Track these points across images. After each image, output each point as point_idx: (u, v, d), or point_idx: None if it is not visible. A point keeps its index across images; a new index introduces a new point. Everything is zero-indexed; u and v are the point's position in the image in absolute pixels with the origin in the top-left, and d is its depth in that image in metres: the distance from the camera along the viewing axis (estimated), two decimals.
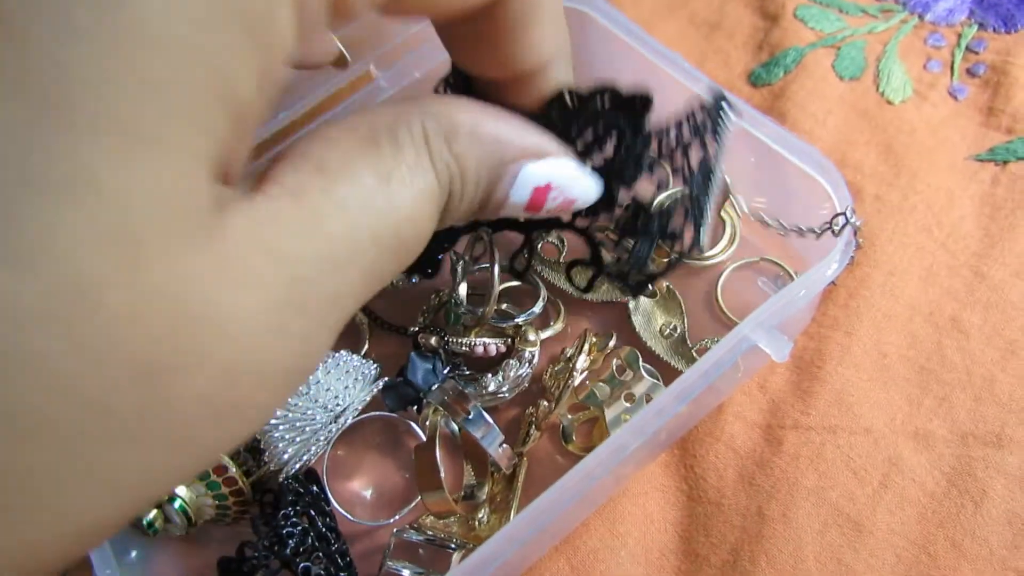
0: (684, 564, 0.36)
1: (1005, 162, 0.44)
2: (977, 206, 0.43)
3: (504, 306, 0.42)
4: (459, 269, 0.40)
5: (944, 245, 0.42)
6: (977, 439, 0.37)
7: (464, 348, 0.39)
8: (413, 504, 0.37)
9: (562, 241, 0.45)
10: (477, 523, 0.35)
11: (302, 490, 0.35)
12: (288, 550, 0.33)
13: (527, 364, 0.39)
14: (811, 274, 0.35)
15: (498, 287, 0.39)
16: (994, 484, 0.36)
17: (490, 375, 0.38)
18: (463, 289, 0.40)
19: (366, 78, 0.42)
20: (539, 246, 0.45)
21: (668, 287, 0.42)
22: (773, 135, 0.38)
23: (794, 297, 0.34)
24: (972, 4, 0.51)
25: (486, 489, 0.36)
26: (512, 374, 0.38)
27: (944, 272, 0.41)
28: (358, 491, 0.39)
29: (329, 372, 0.37)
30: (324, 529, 0.35)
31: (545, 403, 0.38)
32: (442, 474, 0.33)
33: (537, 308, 0.41)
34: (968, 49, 0.49)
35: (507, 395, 0.38)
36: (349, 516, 0.37)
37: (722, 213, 0.44)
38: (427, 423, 0.37)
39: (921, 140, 0.46)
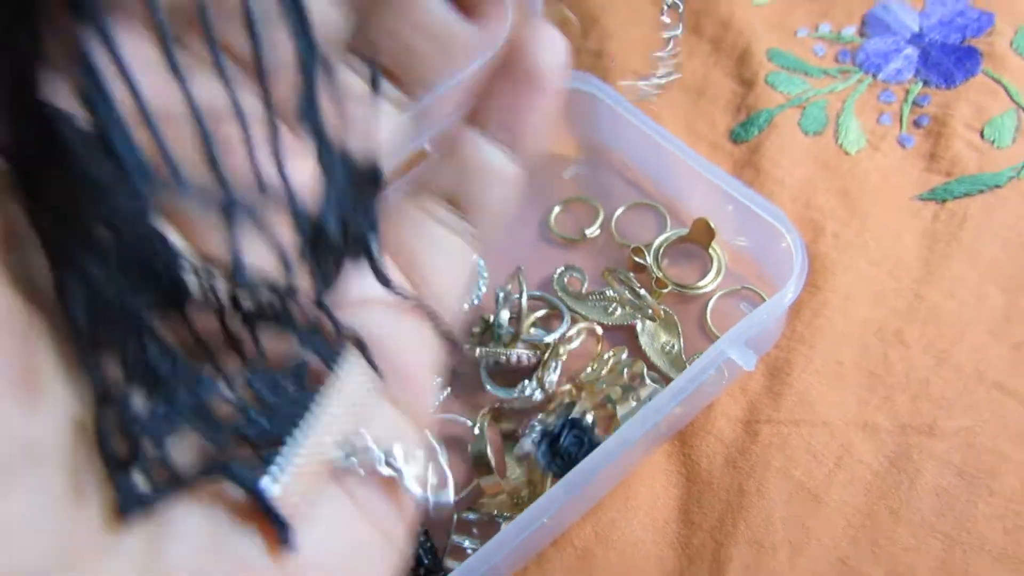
0: (682, 529, 0.46)
1: (944, 200, 0.54)
2: (919, 239, 0.53)
3: (533, 329, 0.53)
4: (500, 297, 0.51)
5: (891, 273, 0.52)
6: (913, 429, 0.47)
7: (503, 358, 0.50)
8: (471, 487, 0.48)
9: (582, 273, 0.55)
10: (520, 500, 0.46)
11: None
12: None
13: (554, 371, 0.50)
14: (773, 301, 0.45)
15: (526, 311, 0.50)
16: (926, 465, 0.46)
17: (526, 380, 0.49)
18: (505, 314, 0.50)
19: (421, 155, 0.53)
20: (566, 280, 0.55)
21: (667, 311, 0.52)
22: (745, 195, 0.48)
23: (760, 319, 0.44)
24: (918, 64, 0.60)
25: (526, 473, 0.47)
26: (546, 379, 0.48)
27: (890, 295, 0.51)
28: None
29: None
30: None
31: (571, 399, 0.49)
32: (492, 462, 0.44)
33: (563, 328, 0.51)
34: (915, 103, 0.59)
35: (540, 397, 0.49)
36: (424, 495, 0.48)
37: (710, 250, 0.54)
38: (478, 426, 0.47)
39: (873, 184, 0.55)
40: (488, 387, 0.49)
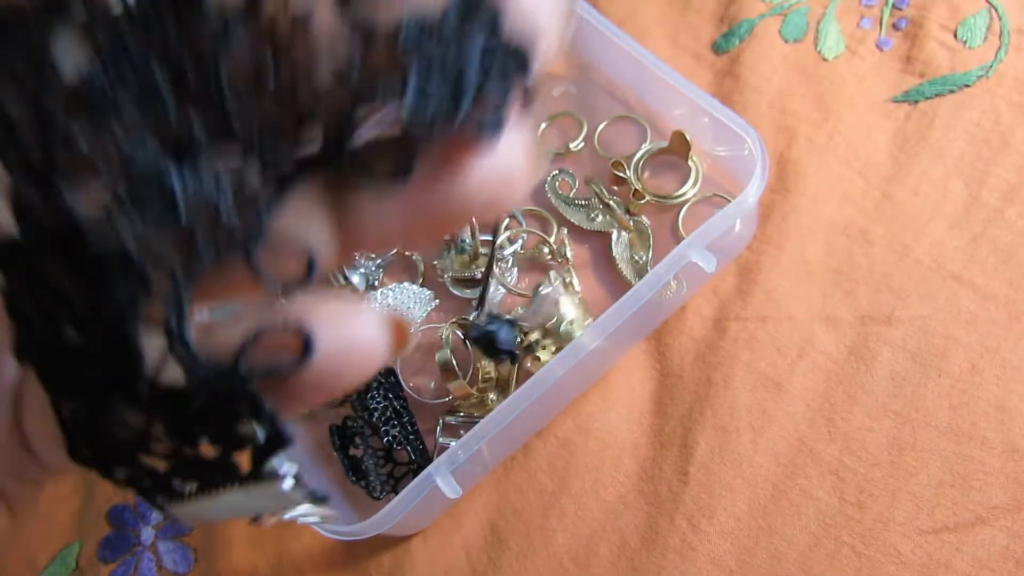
0: (655, 419, 0.51)
1: (916, 101, 0.56)
2: (890, 139, 0.55)
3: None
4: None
5: (860, 173, 0.54)
6: (872, 320, 0.50)
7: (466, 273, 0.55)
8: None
9: (573, 178, 0.59)
10: (491, 402, 0.50)
11: (383, 380, 0.51)
12: (374, 418, 0.49)
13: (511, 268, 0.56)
14: (732, 205, 0.48)
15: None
16: (882, 351, 0.49)
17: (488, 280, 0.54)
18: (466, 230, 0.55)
19: None
20: (557, 183, 0.59)
21: (639, 222, 0.55)
22: (713, 106, 0.51)
23: (719, 223, 0.48)
24: None
25: (493, 376, 0.52)
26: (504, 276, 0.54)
27: (858, 195, 0.54)
28: (423, 381, 0.55)
29: (397, 297, 0.53)
30: (399, 406, 0.51)
31: None
32: (456, 368, 0.48)
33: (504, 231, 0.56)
34: (894, 6, 0.60)
35: (502, 292, 0.55)
36: (416, 396, 0.53)
37: (689, 161, 0.57)
38: (443, 335, 0.51)
39: (849, 88, 0.57)
40: (454, 291, 0.55)
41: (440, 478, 0.45)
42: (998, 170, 0.52)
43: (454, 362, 0.48)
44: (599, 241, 0.57)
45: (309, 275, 0.16)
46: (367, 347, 0.17)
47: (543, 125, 0.62)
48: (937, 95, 0.55)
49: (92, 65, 0.14)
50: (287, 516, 0.19)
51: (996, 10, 0.56)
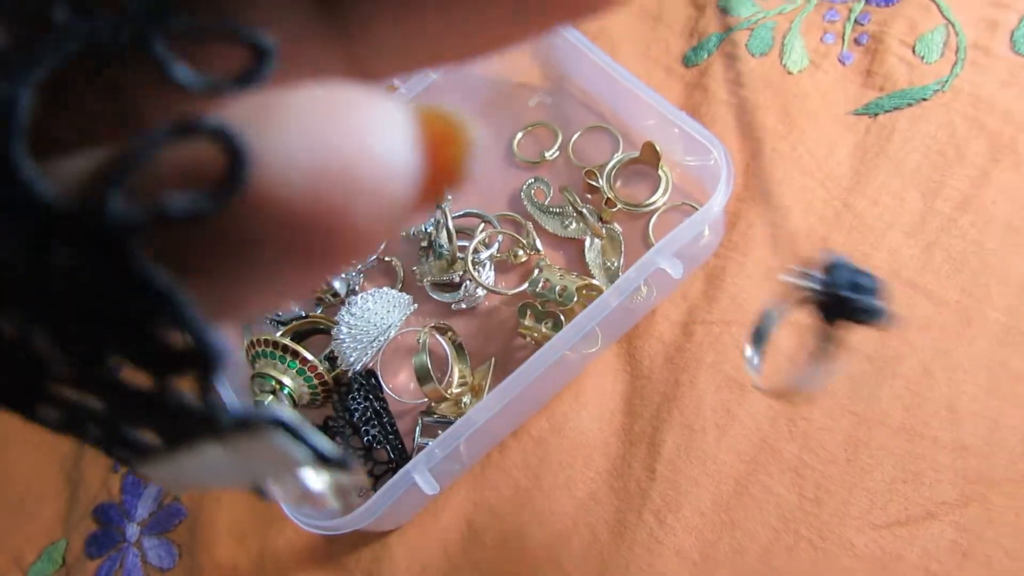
0: (626, 419, 0.53)
1: (875, 114, 0.58)
2: (852, 151, 0.57)
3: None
4: (436, 221, 0.57)
5: (822, 184, 0.57)
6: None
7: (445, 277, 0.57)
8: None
9: (548, 186, 0.61)
10: (464, 405, 0.53)
11: (364, 381, 0.53)
12: (355, 418, 0.51)
13: (489, 270, 0.58)
14: (698, 214, 0.50)
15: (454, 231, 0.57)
16: (841, 353, 0.51)
17: (466, 283, 0.57)
18: (443, 235, 0.57)
19: (389, 89, 0.58)
20: (532, 191, 0.61)
21: (612, 230, 0.58)
22: (681, 118, 0.53)
23: (686, 231, 0.50)
24: None
25: (468, 381, 0.54)
26: (482, 278, 0.56)
27: (820, 205, 0.56)
28: (403, 382, 0.57)
29: (377, 301, 0.55)
30: (379, 407, 0.53)
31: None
32: (431, 371, 0.50)
33: (479, 236, 0.59)
34: (856, 21, 0.62)
35: (482, 295, 0.57)
36: (395, 397, 0.55)
37: (659, 171, 0.59)
38: (420, 340, 0.53)
39: (812, 101, 0.60)
40: (433, 296, 0.57)
41: (418, 475, 0.46)
42: (952, 181, 0.54)
43: (430, 366, 0.50)
44: (573, 248, 0.59)
45: (258, 70, 0.11)
46: (379, 156, 0.10)
47: (519, 135, 0.64)
48: (896, 108, 0.57)
49: None
50: (299, 487, 0.14)
51: (953, 26, 0.59)
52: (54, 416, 0.13)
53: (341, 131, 0.10)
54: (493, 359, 0.55)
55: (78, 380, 0.12)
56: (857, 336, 0.51)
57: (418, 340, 0.52)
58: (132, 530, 0.57)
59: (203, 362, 0.11)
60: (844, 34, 0.62)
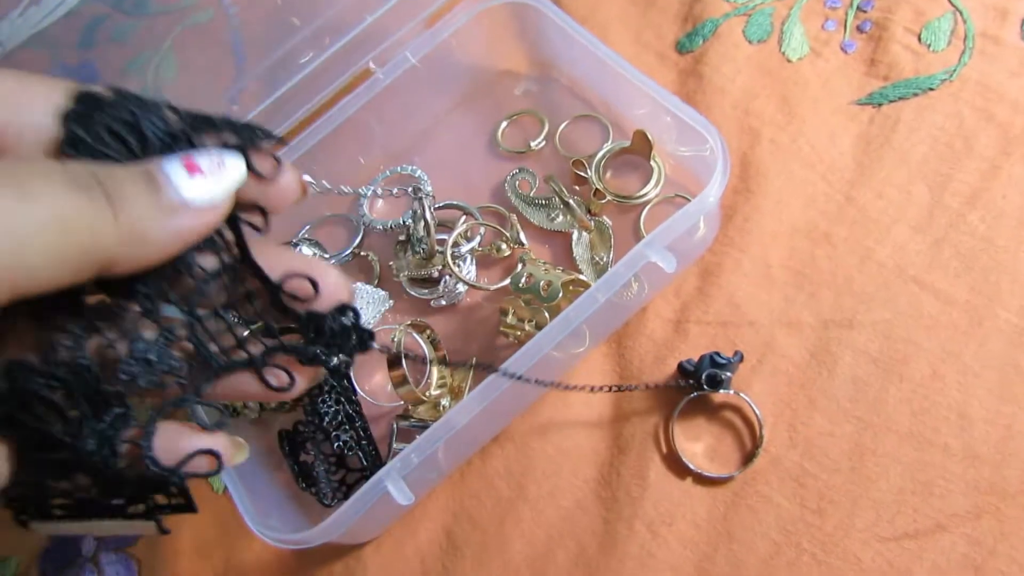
0: (613, 423, 0.50)
1: (879, 104, 0.55)
2: (855, 142, 0.54)
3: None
4: (414, 214, 0.54)
5: (824, 176, 0.54)
6: (835, 324, 0.49)
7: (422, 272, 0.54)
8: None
9: (534, 176, 0.58)
10: (442, 408, 0.49)
11: (336, 383, 0.49)
12: (326, 423, 0.47)
13: (469, 264, 0.55)
14: (692, 205, 0.47)
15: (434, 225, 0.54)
16: (844, 356, 0.48)
17: (446, 278, 0.53)
18: (420, 228, 0.54)
19: (366, 74, 0.55)
20: (517, 182, 0.57)
21: (601, 223, 0.54)
22: (675, 105, 0.50)
23: (679, 223, 0.46)
24: None
25: (447, 382, 0.50)
26: (463, 273, 0.54)
27: (821, 198, 0.53)
28: (378, 383, 0.53)
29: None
30: (351, 411, 0.49)
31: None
32: (406, 373, 0.47)
33: (459, 228, 0.55)
34: (859, 8, 0.59)
35: (463, 290, 0.54)
36: (370, 399, 0.51)
37: (652, 161, 0.56)
38: (394, 339, 0.50)
39: (813, 90, 0.57)
40: (410, 292, 0.54)
41: (391, 484, 0.43)
42: (961, 174, 0.51)
43: (405, 366, 0.47)
44: (559, 241, 0.55)
45: None
46: None
47: (504, 123, 0.60)
48: (901, 98, 0.55)
49: None
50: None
51: (961, 14, 0.56)
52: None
53: None
54: (474, 359, 0.52)
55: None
56: (862, 336, 0.49)
57: (392, 338, 0.49)
58: (88, 545, 0.54)
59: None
60: (846, 21, 0.59)
